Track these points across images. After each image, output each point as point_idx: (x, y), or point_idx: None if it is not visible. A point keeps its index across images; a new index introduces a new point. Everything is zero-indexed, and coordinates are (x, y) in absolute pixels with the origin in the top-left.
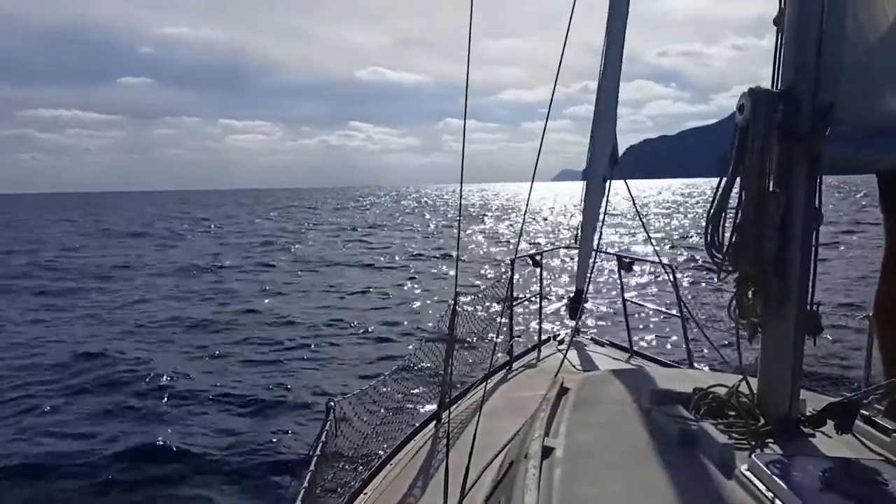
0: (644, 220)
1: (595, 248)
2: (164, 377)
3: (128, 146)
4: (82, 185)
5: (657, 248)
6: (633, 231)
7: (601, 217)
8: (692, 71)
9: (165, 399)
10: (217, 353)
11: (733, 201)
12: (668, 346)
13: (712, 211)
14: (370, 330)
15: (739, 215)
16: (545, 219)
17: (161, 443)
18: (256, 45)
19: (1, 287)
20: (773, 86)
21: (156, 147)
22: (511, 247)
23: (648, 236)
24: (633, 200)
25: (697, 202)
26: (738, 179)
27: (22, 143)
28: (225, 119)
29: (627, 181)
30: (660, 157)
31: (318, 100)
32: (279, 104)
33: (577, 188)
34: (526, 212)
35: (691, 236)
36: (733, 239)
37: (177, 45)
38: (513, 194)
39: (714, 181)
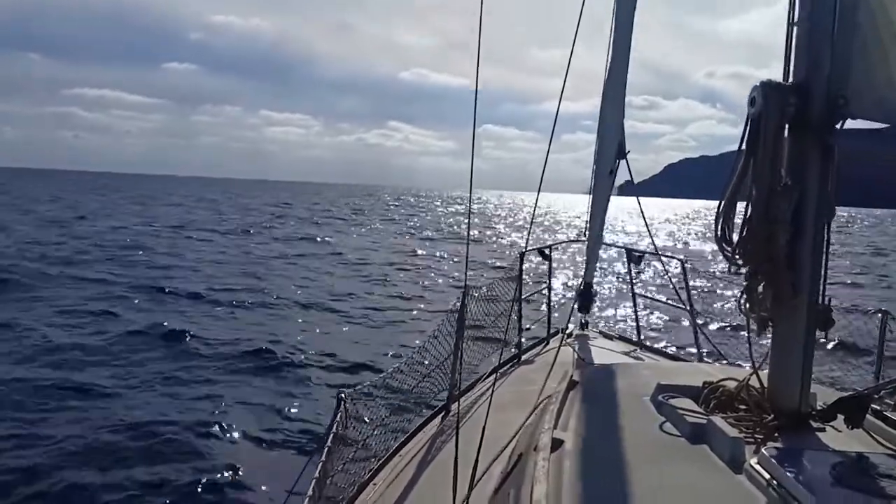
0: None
1: (603, 241)
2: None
3: (168, 131)
4: (121, 166)
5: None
6: None
7: (608, 210)
8: (739, 93)
9: (172, 383)
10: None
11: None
12: (677, 340)
13: (723, 203)
14: None
15: (750, 208)
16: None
17: (169, 432)
18: (303, 37)
19: None
20: (784, 78)
21: (195, 134)
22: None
23: (650, 234)
24: (644, 215)
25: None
26: (750, 172)
27: (66, 121)
28: (266, 110)
29: (647, 198)
30: (699, 178)
31: (359, 96)
32: (320, 98)
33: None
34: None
35: None
36: (744, 232)
37: (225, 33)
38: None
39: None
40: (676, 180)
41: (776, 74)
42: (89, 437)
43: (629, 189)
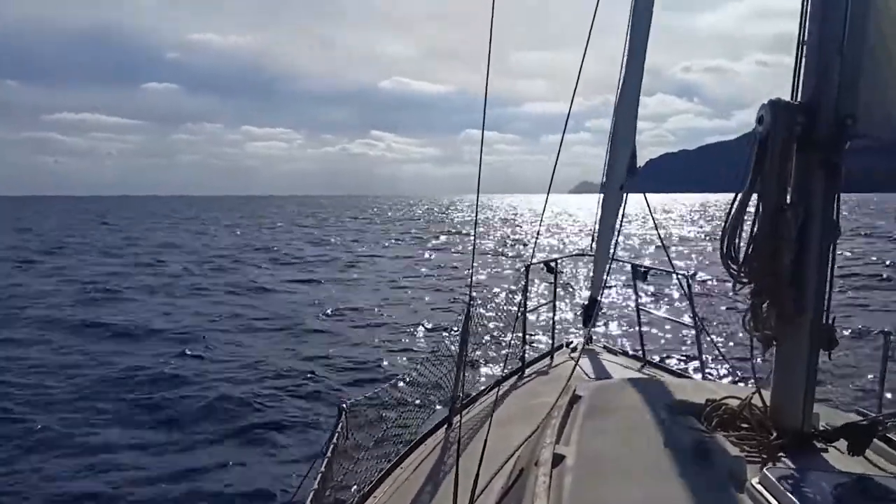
0: (661, 234)
1: (611, 256)
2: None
3: (150, 151)
4: (103, 189)
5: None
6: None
7: (618, 226)
8: (715, 86)
9: (174, 395)
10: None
11: (750, 212)
12: (682, 356)
13: (729, 221)
14: None
15: (756, 226)
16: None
17: (170, 440)
18: (282, 51)
19: None
20: (792, 97)
21: (177, 153)
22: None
23: (664, 248)
24: (651, 213)
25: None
26: (756, 191)
27: (46, 146)
28: (246, 126)
29: (646, 194)
30: (679, 172)
31: (341, 107)
32: (302, 111)
33: (595, 200)
34: (542, 220)
35: None
36: (749, 250)
37: (204, 51)
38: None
39: (730, 195)
40: (658, 175)
41: (751, 67)
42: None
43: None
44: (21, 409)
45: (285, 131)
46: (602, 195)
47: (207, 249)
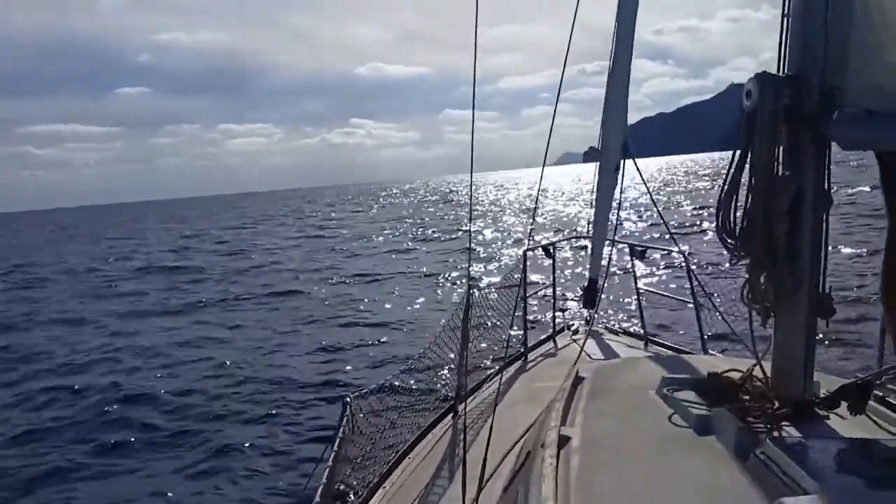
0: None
1: (608, 236)
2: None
3: (128, 157)
4: (85, 199)
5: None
6: None
7: (614, 206)
8: (688, 46)
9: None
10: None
11: (744, 186)
12: (683, 333)
13: (723, 195)
14: None
15: (749, 200)
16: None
17: (177, 436)
18: (255, 46)
19: None
20: (779, 70)
21: (156, 157)
22: None
23: (663, 219)
24: (646, 183)
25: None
26: (748, 164)
27: (21, 161)
28: (225, 124)
29: (636, 162)
30: (657, 135)
31: (319, 99)
32: (279, 105)
33: (579, 170)
34: (537, 202)
35: None
36: (744, 223)
37: (174, 51)
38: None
39: (712, 155)
40: (636, 139)
41: (723, 25)
42: None
43: (595, 155)
44: None
45: (264, 126)
46: (596, 176)
47: None
